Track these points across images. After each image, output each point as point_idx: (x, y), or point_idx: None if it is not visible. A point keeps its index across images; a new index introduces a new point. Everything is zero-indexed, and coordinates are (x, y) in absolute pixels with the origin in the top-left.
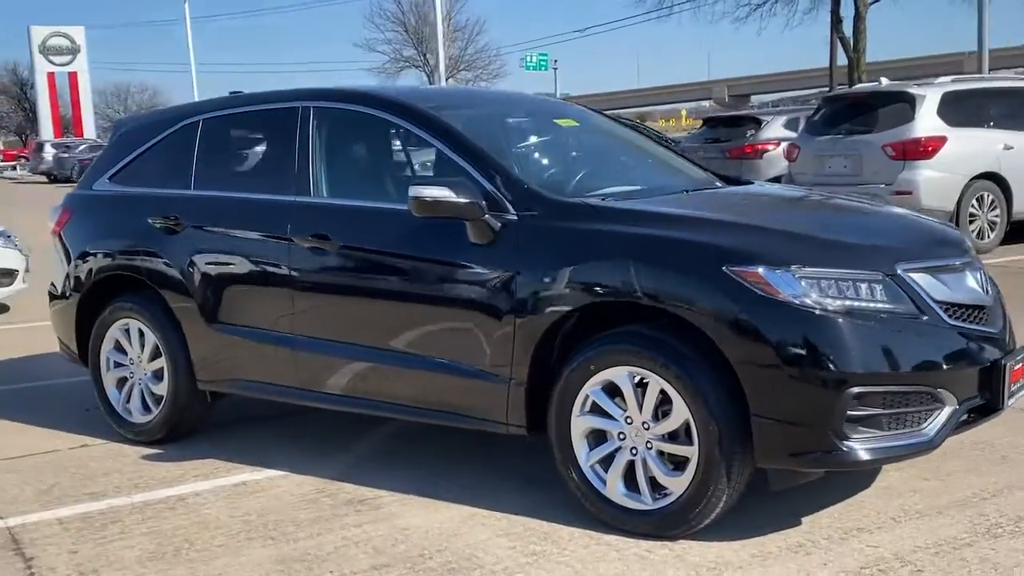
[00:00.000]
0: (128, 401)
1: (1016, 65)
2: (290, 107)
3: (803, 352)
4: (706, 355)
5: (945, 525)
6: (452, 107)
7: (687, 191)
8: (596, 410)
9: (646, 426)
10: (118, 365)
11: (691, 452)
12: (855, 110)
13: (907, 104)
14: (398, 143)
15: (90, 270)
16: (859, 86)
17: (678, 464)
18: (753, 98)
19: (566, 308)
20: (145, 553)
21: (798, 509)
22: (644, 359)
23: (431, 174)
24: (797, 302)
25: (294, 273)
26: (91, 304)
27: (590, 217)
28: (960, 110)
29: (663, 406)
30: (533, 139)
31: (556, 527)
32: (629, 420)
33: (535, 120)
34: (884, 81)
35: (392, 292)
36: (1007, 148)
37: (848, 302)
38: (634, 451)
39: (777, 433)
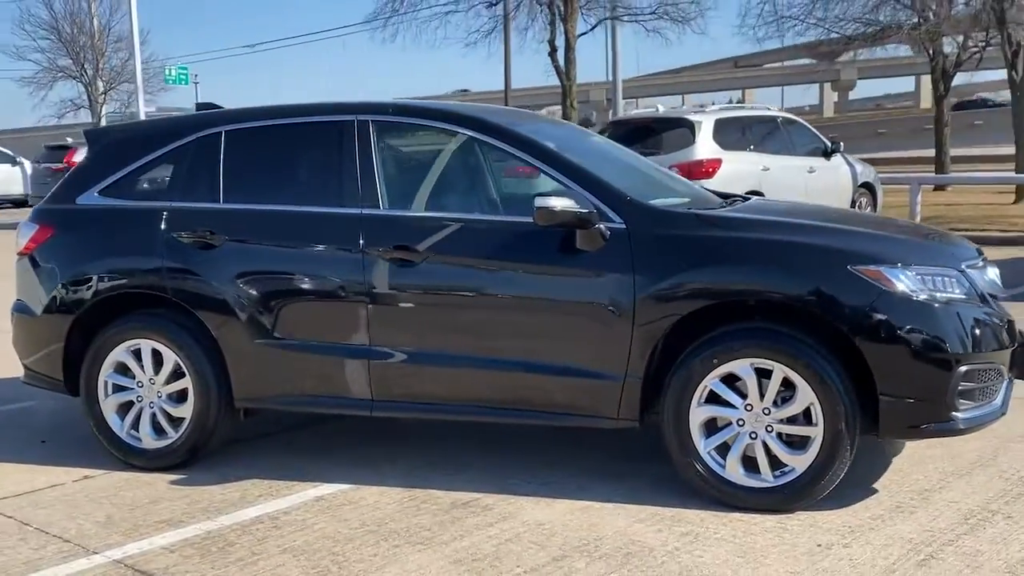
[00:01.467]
0: (135, 427)
1: (646, 95)
2: (343, 120)
3: (922, 337)
4: (829, 345)
5: (986, 481)
6: (524, 126)
7: (733, 201)
8: (714, 400)
9: (766, 411)
10: (120, 389)
11: (814, 432)
12: (642, 133)
13: (687, 129)
14: (478, 159)
15: (90, 290)
16: (637, 112)
17: (797, 444)
18: None
19: (690, 308)
20: (307, 571)
21: (861, 481)
22: (772, 351)
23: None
24: (912, 295)
25: (371, 285)
26: (84, 327)
27: (698, 225)
28: (729, 135)
29: (783, 392)
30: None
31: (679, 511)
32: (749, 407)
33: (573, 137)
34: (660, 108)
35: (493, 300)
36: (765, 169)
37: (944, 294)
38: (753, 435)
39: (900, 409)
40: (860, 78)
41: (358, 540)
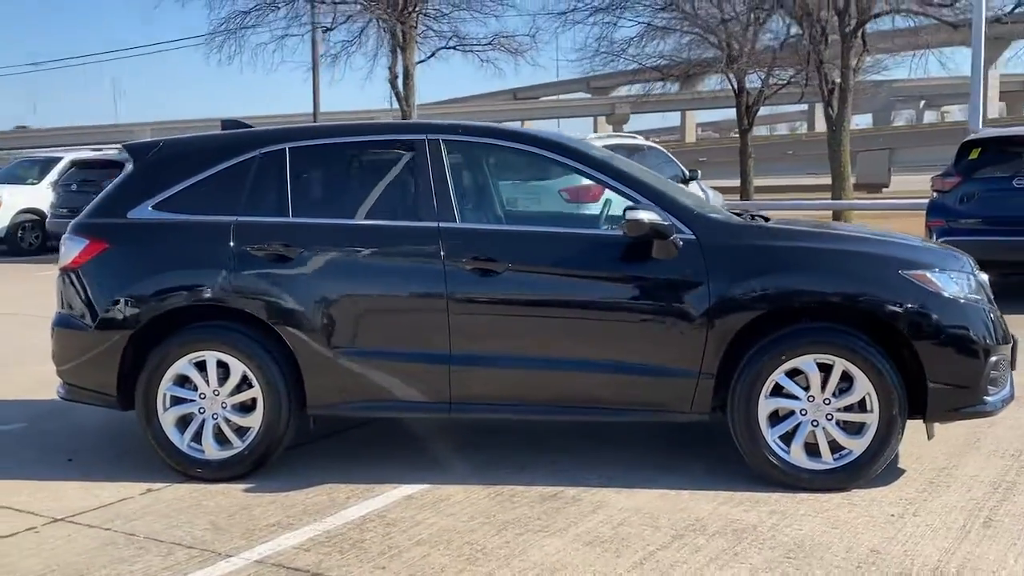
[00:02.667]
0: (197, 439)
1: None
2: (414, 139)
3: (963, 332)
4: (880, 340)
5: (987, 458)
6: (594, 149)
7: (753, 217)
8: (779, 392)
9: (827, 401)
10: (180, 401)
11: (870, 418)
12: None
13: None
14: (539, 174)
15: (152, 303)
16: None
17: (854, 429)
18: None
19: (760, 310)
20: (454, 558)
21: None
22: (834, 347)
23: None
24: (951, 295)
25: (454, 294)
26: (142, 340)
27: (762, 235)
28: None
29: (841, 383)
30: None
31: (750, 494)
32: (812, 398)
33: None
34: None
35: (572, 306)
36: None
37: (972, 294)
38: (815, 423)
39: (945, 395)
40: (633, 112)
41: (479, 531)
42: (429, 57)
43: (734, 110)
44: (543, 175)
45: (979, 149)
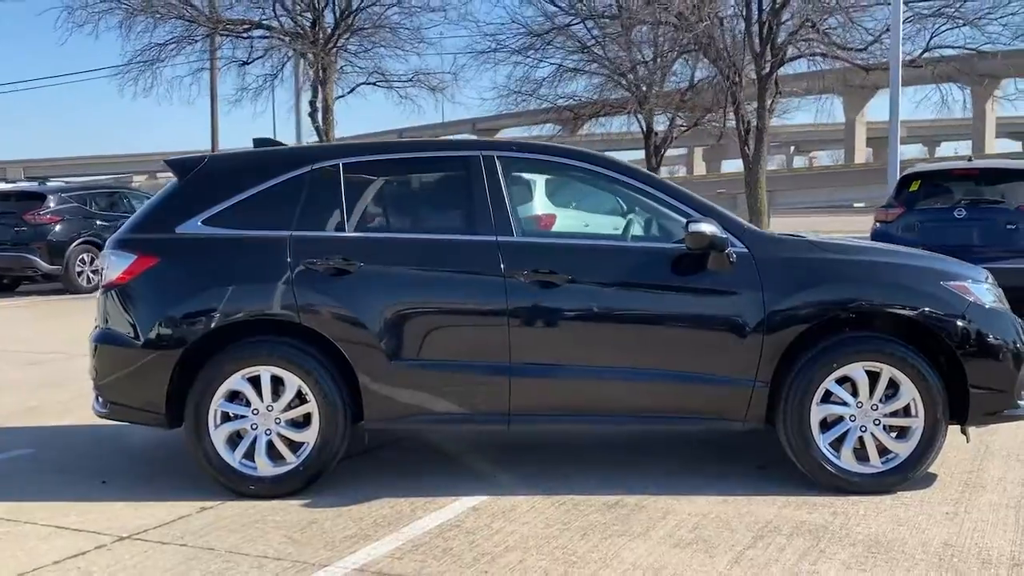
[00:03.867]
0: (251, 456)
1: None
2: (469, 156)
3: (1001, 338)
4: (922, 348)
5: (1005, 461)
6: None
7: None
8: (828, 399)
9: (875, 407)
10: (231, 418)
11: (915, 423)
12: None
13: (525, 187)
14: (598, 191)
15: (206, 318)
16: None
17: (900, 434)
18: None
19: (814, 320)
20: (552, 562)
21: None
22: (882, 355)
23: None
24: (990, 305)
25: (514, 306)
26: (193, 357)
27: (811, 249)
28: (558, 192)
29: (887, 390)
30: None
31: (805, 497)
32: (860, 404)
33: None
34: None
35: (632, 317)
36: (586, 225)
37: (1003, 303)
38: (863, 428)
39: (984, 399)
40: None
41: (562, 536)
42: (349, 92)
43: (632, 152)
44: (596, 193)
45: (918, 182)
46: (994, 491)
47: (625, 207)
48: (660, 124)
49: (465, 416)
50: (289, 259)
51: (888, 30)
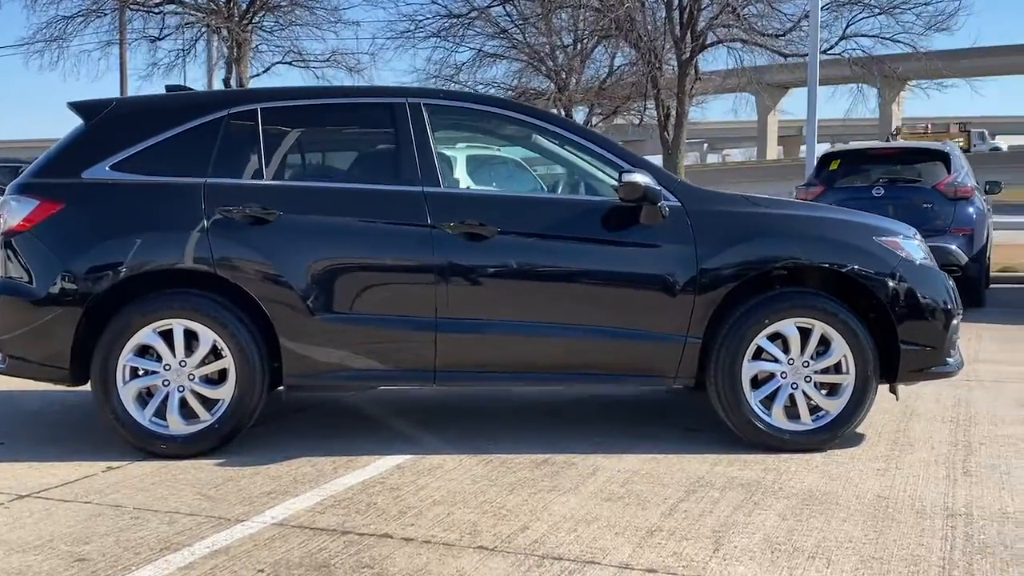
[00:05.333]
0: (162, 414)
1: None
2: (393, 103)
3: (932, 295)
4: (853, 304)
5: (936, 422)
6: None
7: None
8: (759, 356)
9: (806, 364)
10: (143, 373)
11: (845, 380)
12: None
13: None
14: (534, 146)
15: (114, 269)
16: None
17: (831, 391)
18: None
19: (747, 275)
20: (479, 515)
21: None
22: (815, 311)
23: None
24: (920, 260)
25: (442, 260)
26: (99, 310)
27: (745, 203)
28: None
29: (818, 347)
30: None
31: (736, 455)
32: (791, 361)
33: None
34: None
35: (562, 272)
36: None
37: (930, 260)
38: (794, 385)
39: (914, 356)
40: None
41: (490, 491)
42: (264, 71)
43: None
44: (524, 143)
45: (838, 161)
46: (923, 449)
47: (556, 158)
48: (579, 113)
49: (389, 373)
50: (204, 207)
51: (807, 16)
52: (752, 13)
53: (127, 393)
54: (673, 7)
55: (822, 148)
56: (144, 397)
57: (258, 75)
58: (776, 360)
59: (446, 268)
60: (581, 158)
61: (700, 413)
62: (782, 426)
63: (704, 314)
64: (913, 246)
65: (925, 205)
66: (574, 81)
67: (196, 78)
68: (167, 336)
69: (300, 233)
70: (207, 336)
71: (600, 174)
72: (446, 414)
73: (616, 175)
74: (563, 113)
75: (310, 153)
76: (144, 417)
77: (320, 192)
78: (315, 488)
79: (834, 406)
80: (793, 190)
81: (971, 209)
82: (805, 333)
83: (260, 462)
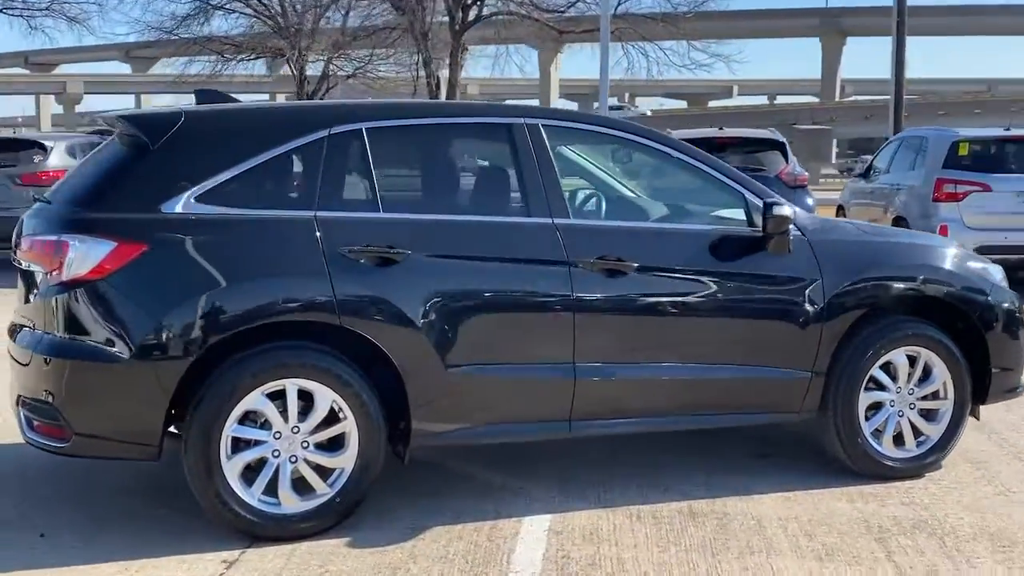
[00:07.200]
0: (271, 490)
1: None
2: (511, 123)
3: (1015, 317)
4: (951, 332)
5: (983, 434)
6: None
7: None
8: (870, 386)
9: (911, 391)
10: (246, 445)
11: (944, 405)
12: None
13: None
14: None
15: (219, 323)
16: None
17: (932, 416)
18: None
19: (869, 305)
20: None
21: None
22: (924, 339)
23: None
24: (1001, 284)
25: (578, 298)
26: (196, 371)
27: (856, 232)
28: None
29: (921, 374)
30: None
31: (862, 488)
32: (899, 389)
33: None
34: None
35: (701, 307)
36: None
37: (1006, 283)
38: (900, 413)
39: (1002, 378)
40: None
41: (695, 558)
42: None
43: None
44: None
45: None
46: (1007, 464)
47: (684, 186)
48: (314, 69)
49: (522, 426)
50: (322, 246)
51: None
52: None
53: (232, 470)
54: None
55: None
56: (250, 473)
57: None
58: (885, 389)
59: (585, 308)
60: (704, 186)
61: (750, 435)
62: (891, 454)
63: (830, 346)
64: (994, 269)
65: None
66: (305, 43)
67: None
68: (275, 399)
69: (431, 274)
70: (324, 396)
71: (721, 201)
72: (524, 460)
73: (762, 204)
74: (295, 70)
75: (425, 180)
76: (253, 496)
77: (449, 227)
78: (500, 569)
79: (935, 431)
80: None
81: (808, 199)
82: (911, 361)
83: (394, 538)
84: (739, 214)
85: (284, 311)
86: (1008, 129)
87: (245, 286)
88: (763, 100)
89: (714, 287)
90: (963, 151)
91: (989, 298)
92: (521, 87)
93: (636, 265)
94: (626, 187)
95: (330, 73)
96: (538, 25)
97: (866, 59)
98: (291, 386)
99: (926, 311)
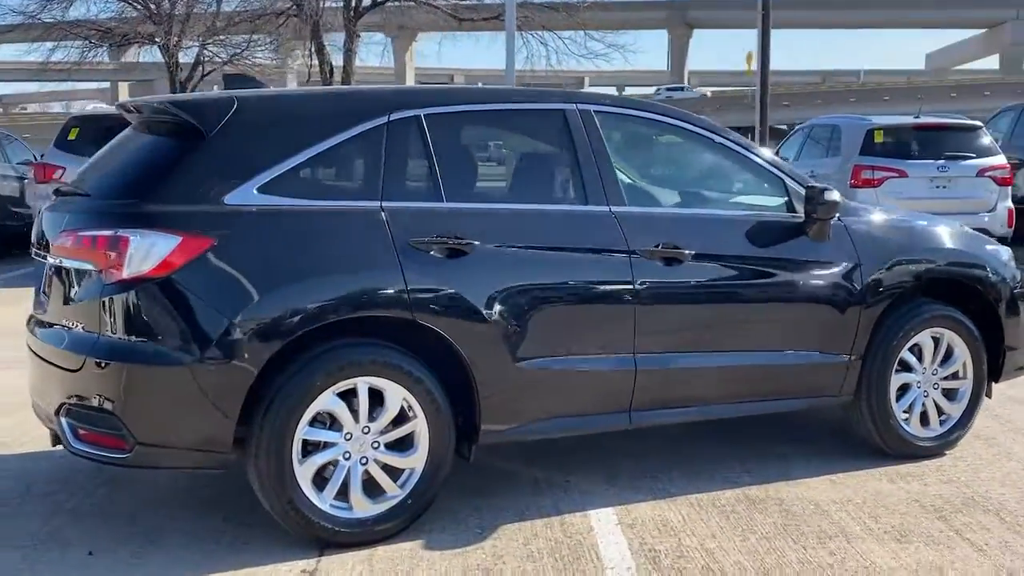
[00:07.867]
0: (342, 494)
1: None
2: (564, 109)
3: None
4: (969, 315)
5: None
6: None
7: None
8: (902, 368)
9: (935, 372)
10: (316, 448)
11: (963, 384)
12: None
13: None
14: (699, 157)
15: (292, 321)
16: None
17: (953, 396)
18: None
19: (904, 287)
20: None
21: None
22: (949, 321)
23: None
24: (1010, 263)
25: (642, 288)
26: (268, 372)
27: (885, 217)
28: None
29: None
30: None
31: (898, 467)
32: (924, 370)
33: None
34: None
35: (753, 294)
36: None
37: (1013, 262)
38: (926, 393)
39: (1015, 357)
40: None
41: (778, 542)
42: None
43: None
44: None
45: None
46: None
47: (725, 173)
48: (188, 56)
49: (586, 418)
50: (392, 239)
51: None
52: None
53: (304, 474)
54: None
55: None
56: (320, 477)
57: None
58: (912, 370)
59: (646, 297)
60: (746, 172)
61: (762, 421)
62: (919, 433)
63: (867, 330)
64: (1003, 250)
65: None
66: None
67: None
68: (347, 398)
69: (498, 266)
70: (395, 394)
71: (763, 188)
72: (555, 453)
73: (781, 190)
74: (167, 56)
75: (483, 168)
76: (324, 501)
77: (512, 216)
78: (594, 564)
79: (956, 410)
80: None
81: None
82: (935, 342)
83: (468, 539)
84: (777, 200)
85: (361, 307)
86: (918, 117)
87: (319, 281)
88: (612, 92)
89: (764, 274)
90: (879, 138)
91: (1006, 278)
92: (375, 76)
93: (691, 253)
94: (669, 174)
95: (204, 60)
96: (437, 12)
97: (710, 52)
98: (362, 384)
99: (946, 292)
